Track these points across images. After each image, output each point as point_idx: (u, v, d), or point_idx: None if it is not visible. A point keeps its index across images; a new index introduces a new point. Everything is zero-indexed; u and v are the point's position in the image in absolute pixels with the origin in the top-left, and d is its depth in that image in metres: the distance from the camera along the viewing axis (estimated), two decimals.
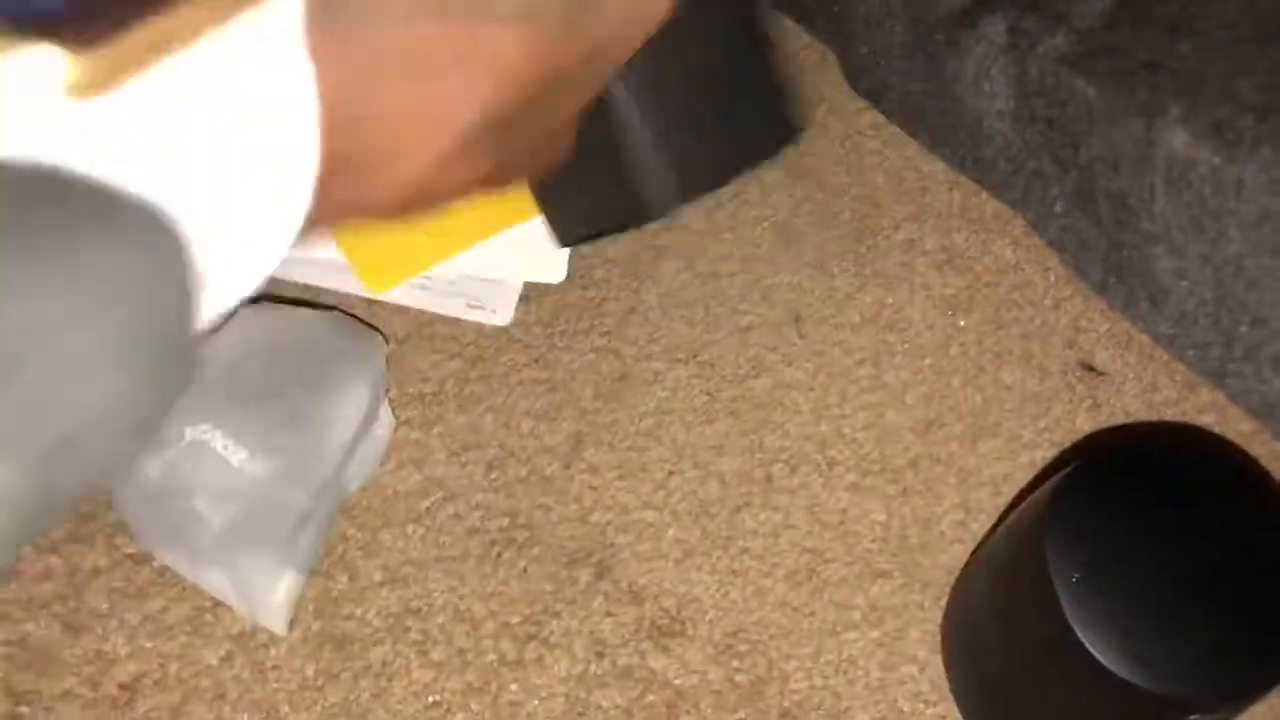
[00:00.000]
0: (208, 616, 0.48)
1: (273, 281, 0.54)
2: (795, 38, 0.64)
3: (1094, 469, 0.40)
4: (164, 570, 0.48)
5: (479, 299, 0.55)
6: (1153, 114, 0.41)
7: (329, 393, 0.47)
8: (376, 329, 0.53)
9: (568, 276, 0.56)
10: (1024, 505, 0.43)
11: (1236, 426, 0.53)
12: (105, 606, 0.48)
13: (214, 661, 0.47)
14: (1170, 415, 0.54)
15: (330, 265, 0.55)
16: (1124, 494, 0.39)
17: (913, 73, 0.52)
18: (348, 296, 0.55)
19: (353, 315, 0.53)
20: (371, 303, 0.55)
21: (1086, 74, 0.42)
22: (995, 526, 0.51)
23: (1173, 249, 0.42)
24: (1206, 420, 0.54)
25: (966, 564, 0.50)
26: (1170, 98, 0.40)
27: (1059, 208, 0.48)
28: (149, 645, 0.47)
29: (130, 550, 0.49)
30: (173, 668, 0.47)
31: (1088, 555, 0.38)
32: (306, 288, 0.54)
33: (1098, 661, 0.37)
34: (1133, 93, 0.41)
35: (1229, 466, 0.41)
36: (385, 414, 0.51)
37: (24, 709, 0.45)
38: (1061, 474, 0.40)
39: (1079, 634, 0.37)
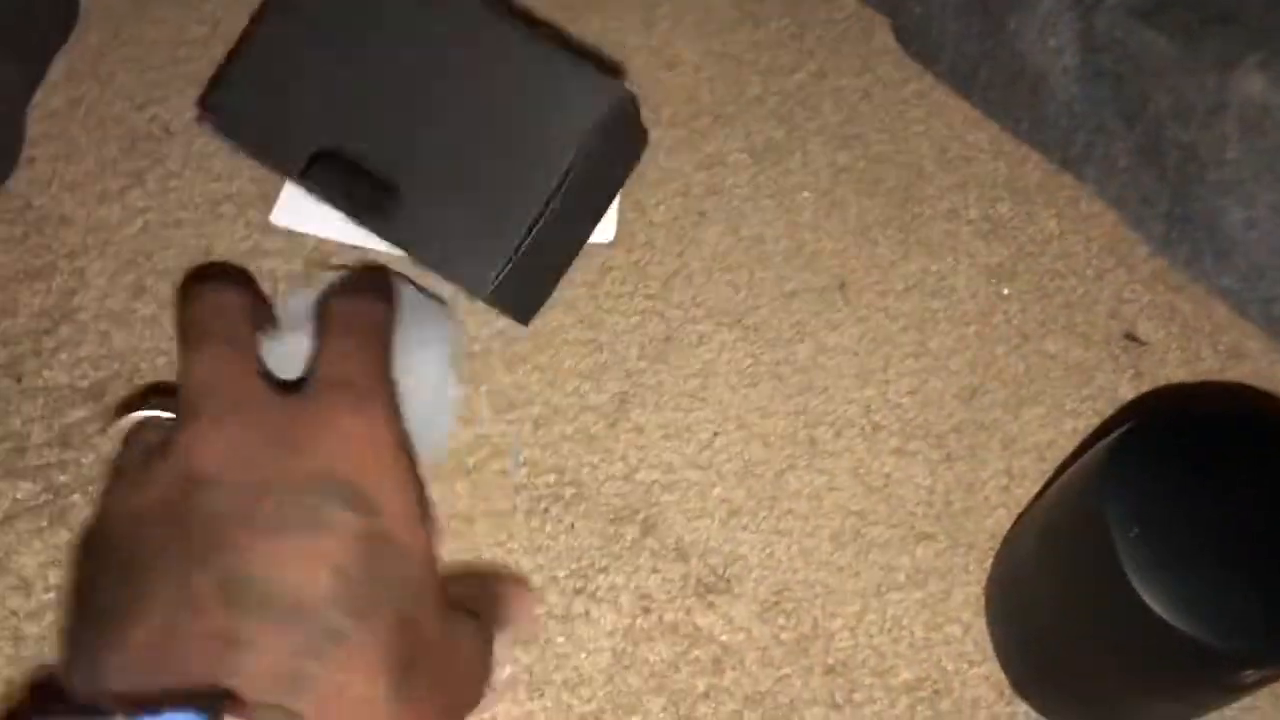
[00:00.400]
0: None
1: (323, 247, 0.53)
2: (840, 5, 0.64)
3: (1152, 425, 0.40)
4: None
5: None
6: (1227, 64, 0.41)
7: (404, 362, 0.46)
8: (440, 297, 0.53)
9: (613, 239, 0.56)
10: (1078, 464, 0.43)
11: None
12: None
13: None
14: (1213, 383, 0.54)
15: None
16: (1182, 450, 0.40)
17: (969, 32, 0.52)
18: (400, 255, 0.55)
19: (416, 284, 0.53)
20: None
21: (1157, 26, 0.42)
22: (1041, 492, 0.51)
23: (1244, 199, 0.42)
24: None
25: (1012, 527, 0.50)
26: (1246, 47, 0.40)
27: (1123, 163, 0.48)
28: None
29: None
30: None
31: (1146, 510, 0.38)
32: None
33: (1155, 615, 0.37)
34: (1207, 43, 0.41)
35: None
36: (454, 380, 0.50)
37: None
38: (1119, 431, 0.40)
39: (1137, 588, 0.37)
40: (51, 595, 0.47)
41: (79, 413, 0.51)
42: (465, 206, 0.47)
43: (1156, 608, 0.37)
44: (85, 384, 0.51)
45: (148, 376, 0.52)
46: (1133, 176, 0.48)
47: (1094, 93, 0.47)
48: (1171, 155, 0.44)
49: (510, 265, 0.47)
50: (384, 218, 0.48)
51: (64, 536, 0.48)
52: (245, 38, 0.51)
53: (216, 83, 0.55)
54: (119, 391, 0.51)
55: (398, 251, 0.54)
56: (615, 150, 0.51)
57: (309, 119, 0.49)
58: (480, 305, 0.54)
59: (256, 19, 0.51)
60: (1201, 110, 0.43)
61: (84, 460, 0.50)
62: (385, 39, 0.49)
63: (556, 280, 0.54)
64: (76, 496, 0.49)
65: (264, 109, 0.50)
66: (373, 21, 0.49)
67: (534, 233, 0.47)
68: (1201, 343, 0.55)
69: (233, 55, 0.51)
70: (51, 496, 0.49)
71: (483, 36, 0.49)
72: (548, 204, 0.47)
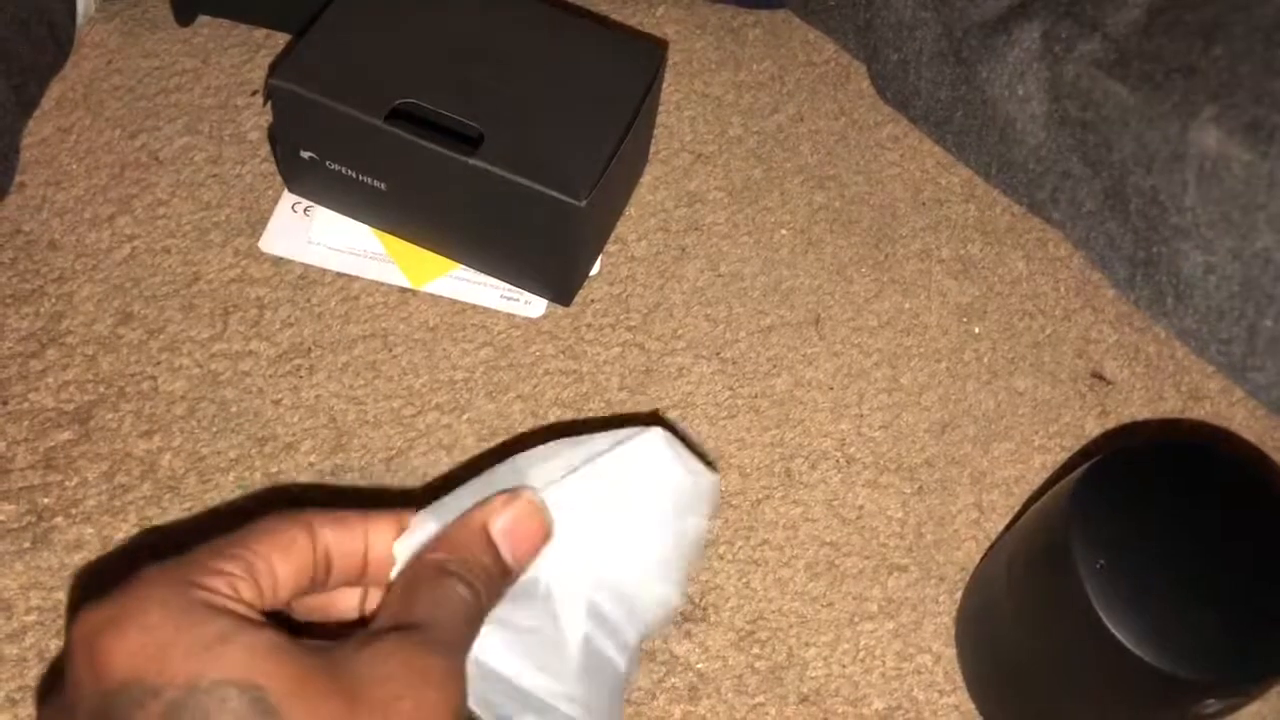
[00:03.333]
0: None
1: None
2: (819, 50, 0.66)
3: (1117, 460, 0.41)
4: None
5: (513, 291, 0.56)
6: (1187, 114, 0.43)
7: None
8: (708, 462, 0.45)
9: (597, 273, 0.58)
10: (1046, 497, 0.44)
11: (1241, 436, 0.55)
12: None
13: None
14: (1176, 419, 0.56)
15: (372, 257, 0.56)
16: (1146, 484, 0.41)
17: (943, 79, 0.54)
18: (384, 284, 0.56)
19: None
20: (405, 290, 0.56)
21: (1121, 77, 0.44)
22: (1009, 525, 0.53)
23: (1202, 244, 0.44)
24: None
25: (982, 559, 0.51)
26: (1204, 99, 0.42)
27: (1088, 207, 0.50)
28: None
29: (162, 522, 0.50)
30: None
31: (1112, 542, 0.40)
32: None
33: (1120, 645, 0.38)
34: (1167, 94, 0.43)
35: (1243, 459, 0.42)
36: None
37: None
38: (1087, 464, 0.42)
39: (1103, 618, 0.39)
40: (32, 617, 0.47)
41: (64, 435, 0.51)
42: (549, 141, 0.51)
43: (1122, 638, 0.38)
44: (71, 407, 0.52)
45: (133, 401, 0.52)
46: (1098, 220, 0.50)
47: (1061, 139, 0.49)
48: (1134, 201, 0.46)
49: (599, 182, 0.51)
50: (470, 154, 0.51)
51: (46, 559, 0.48)
52: (314, 21, 0.54)
53: (289, 51, 0.57)
54: (105, 415, 0.52)
55: (397, 281, 0.55)
56: (654, 102, 0.57)
57: (386, 79, 0.52)
58: (465, 332, 0.55)
59: (323, 8, 0.55)
60: (1162, 158, 0.45)
61: (68, 484, 0.50)
62: (448, 21, 0.55)
63: (596, 257, 0.58)
64: (60, 519, 0.49)
65: (341, 70, 0.52)
66: (437, 9, 0.55)
67: (613, 160, 0.51)
68: (1165, 383, 0.57)
69: (304, 33, 0.54)
70: (34, 519, 0.49)
71: (536, 16, 0.56)
72: (625, 133, 0.52)
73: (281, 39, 0.64)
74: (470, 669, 0.32)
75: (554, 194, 0.50)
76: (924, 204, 0.62)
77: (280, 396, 0.53)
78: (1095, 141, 0.48)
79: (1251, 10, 0.44)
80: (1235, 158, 0.42)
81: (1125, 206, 0.48)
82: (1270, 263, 0.44)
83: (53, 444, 0.51)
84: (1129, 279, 0.52)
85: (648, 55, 0.55)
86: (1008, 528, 0.52)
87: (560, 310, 0.57)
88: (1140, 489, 0.41)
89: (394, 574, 0.34)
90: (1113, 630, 0.38)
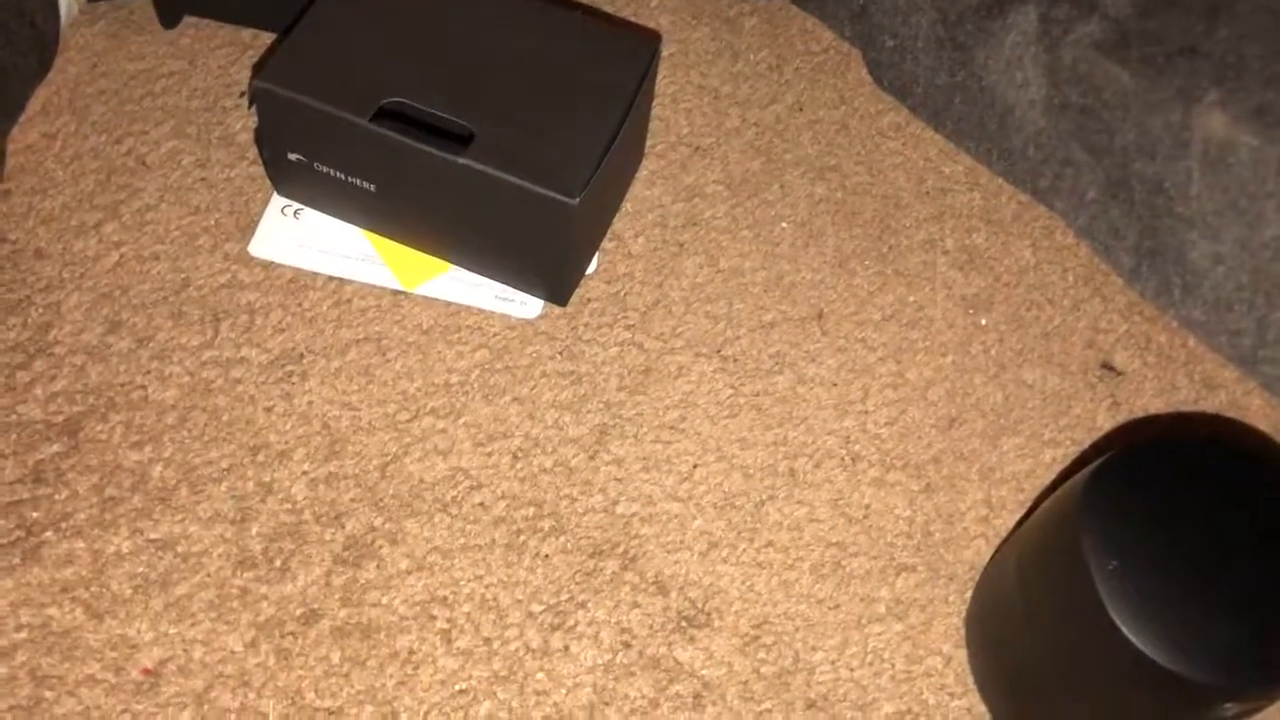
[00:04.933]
0: (233, 603, 0.47)
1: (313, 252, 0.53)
2: (817, 38, 0.65)
3: (1128, 457, 0.40)
4: (188, 556, 0.48)
5: (507, 291, 0.55)
6: (1190, 98, 0.41)
7: None
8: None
9: (593, 271, 0.57)
10: (1056, 495, 0.43)
11: (1257, 426, 0.54)
12: (128, 592, 0.47)
13: (239, 648, 0.47)
14: (1189, 413, 0.54)
15: (363, 259, 0.55)
16: (1158, 482, 0.40)
17: (940, 64, 0.52)
18: (376, 287, 0.55)
19: None
20: (398, 293, 0.55)
21: (1121, 61, 0.43)
22: (1019, 522, 0.51)
23: (1209, 233, 0.43)
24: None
25: (992, 558, 0.50)
26: (1208, 81, 0.41)
27: (1091, 195, 0.48)
28: (172, 631, 0.47)
29: (154, 535, 0.49)
30: (197, 653, 0.46)
31: (1124, 542, 0.38)
32: None
33: (1134, 648, 0.37)
34: (1169, 78, 0.41)
35: (1258, 454, 0.41)
36: None
37: (47, 693, 0.45)
38: (1096, 462, 0.40)
39: (1116, 621, 0.37)
40: (23, 635, 0.46)
41: (53, 448, 0.50)
42: (541, 138, 0.50)
43: (1136, 641, 0.37)
44: (60, 419, 0.51)
45: (123, 411, 0.51)
46: (1101, 209, 0.49)
47: (1061, 126, 0.48)
48: (1138, 189, 0.45)
49: (592, 179, 0.49)
50: (460, 154, 0.50)
51: (36, 575, 0.47)
52: (298, 20, 0.53)
53: (274, 52, 0.56)
54: (94, 427, 0.51)
55: (389, 283, 0.54)
56: (648, 94, 0.56)
57: (373, 78, 0.51)
58: (460, 334, 0.54)
59: (308, 6, 0.54)
60: (1166, 145, 0.43)
61: (57, 497, 0.49)
62: (437, 17, 0.53)
63: (591, 255, 0.57)
64: (49, 534, 0.48)
65: (326, 71, 0.51)
66: (425, 5, 0.54)
67: (607, 156, 0.50)
68: (1177, 372, 0.55)
69: (288, 33, 0.53)
70: (24, 534, 0.48)
71: (526, 10, 0.54)
72: (618, 128, 0.51)
73: (269, 39, 0.63)
74: None
75: (547, 192, 0.49)
76: (927, 193, 0.60)
77: (272, 404, 0.52)
78: (1096, 128, 0.46)
79: None
80: (1242, 143, 0.41)
81: (1129, 195, 0.46)
82: None
83: (41, 457, 0.50)
84: (1134, 269, 0.50)
85: (641, 48, 0.54)
86: (1018, 525, 0.51)
87: (556, 310, 0.55)
88: (1152, 486, 0.40)
89: None
90: (1127, 633, 0.37)
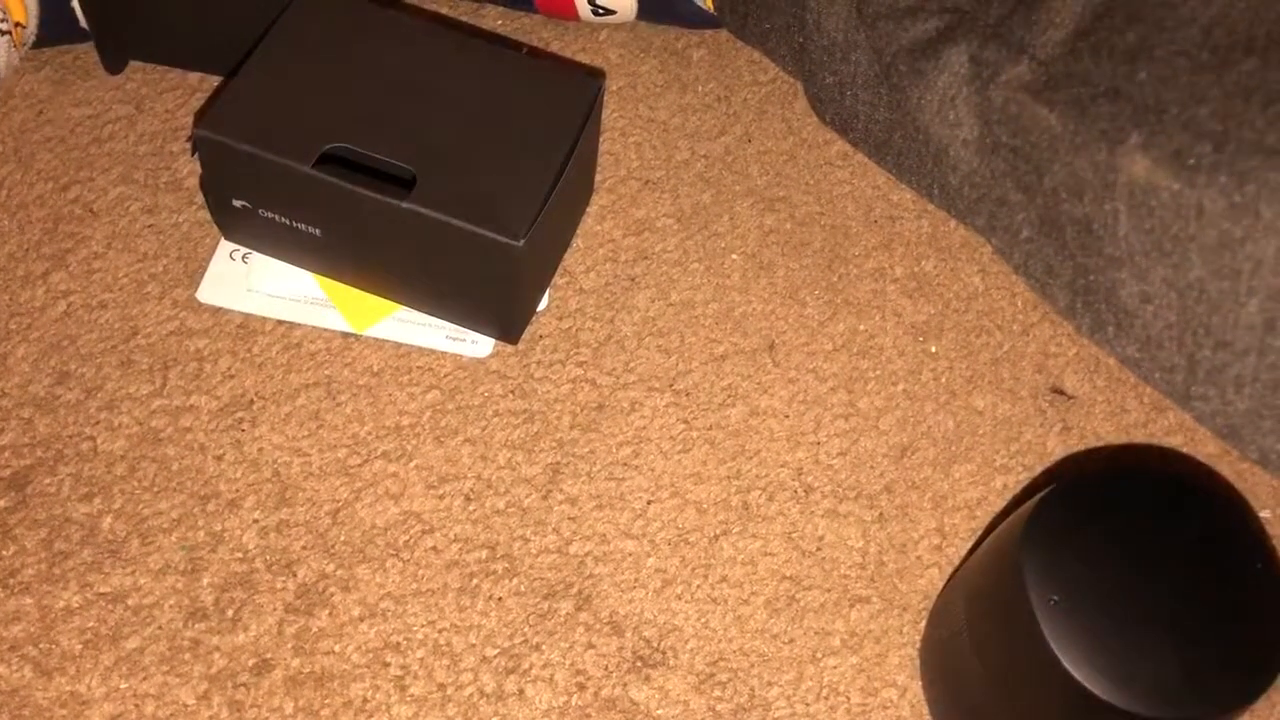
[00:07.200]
0: (185, 655, 0.47)
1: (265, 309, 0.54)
2: (764, 69, 0.65)
3: (1069, 491, 0.40)
4: (139, 609, 0.48)
5: (458, 331, 0.55)
6: (1114, 141, 0.41)
7: None
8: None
9: (544, 307, 0.57)
10: (999, 529, 0.43)
11: (1204, 448, 0.54)
12: (78, 647, 0.47)
13: (191, 701, 0.46)
14: (1139, 437, 0.55)
15: (312, 302, 0.55)
16: (1099, 515, 0.40)
17: (878, 102, 0.52)
18: (326, 330, 0.55)
19: None
20: (348, 335, 0.55)
21: (1048, 103, 0.43)
22: (971, 550, 0.52)
23: (1137, 274, 0.43)
24: (1174, 442, 0.55)
25: (942, 589, 0.50)
26: (1130, 125, 0.41)
27: (1024, 234, 0.49)
28: (124, 686, 0.46)
29: (104, 589, 0.48)
30: (149, 708, 0.46)
31: (1066, 576, 0.39)
32: None
33: (1078, 683, 0.37)
34: (1094, 120, 0.42)
35: (1200, 487, 0.41)
36: None
37: None
38: (1037, 497, 0.41)
39: (1058, 654, 0.38)
40: None
41: (0, 503, 0.50)
42: (485, 180, 0.50)
43: (1077, 675, 0.37)
44: (7, 473, 0.51)
45: (71, 463, 0.51)
46: (1036, 247, 0.49)
47: (994, 165, 0.48)
48: (1069, 229, 0.45)
49: (537, 220, 0.49)
50: (403, 197, 0.50)
51: None
52: (242, 64, 0.53)
53: (216, 98, 0.56)
54: (42, 480, 0.50)
55: (339, 326, 0.54)
56: (594, 131, 0.56)
57: (315, 123, 0.51)
58: (410, 375, 0.54)
59: (251, 50, 0.54)
60: (1094, 186, 0.43)
61: (4, 553, 0.49)
62: (379, 60, 0.53)
63: (542, 293, 0.57)
64: None
65: (268, 117, 0.51)
66: (367, 48, 0.54)
67: (551, 196, 0.50)
68: (1126, 394, 0.56)
69: (230, 79, 0.53)
70: None
71: (472, 52, 0.55)
72: (563, 167, 0.51)
73: (216, 81, 0.63)
74: None
75: (491, 235, 0.49)
76: (876, 221, 0.61)
77: (222, 452, 0.52)
78: (1027, 169, 0.47)
79: (1176, 32, 0.43)
80: (1163, 186, 0.41)
81: (1061, 234, 0.47)
82: (1204, 294, 0.43)
83: None
84: (1070, 306, 0.51)
85: (584, 86, 0.54)
86: (969, 552, 0.51)
87: (508, 348, 0.55)
88: (1093, 520, 0.40)
89: None
90: (1068, 667, 0.37)
